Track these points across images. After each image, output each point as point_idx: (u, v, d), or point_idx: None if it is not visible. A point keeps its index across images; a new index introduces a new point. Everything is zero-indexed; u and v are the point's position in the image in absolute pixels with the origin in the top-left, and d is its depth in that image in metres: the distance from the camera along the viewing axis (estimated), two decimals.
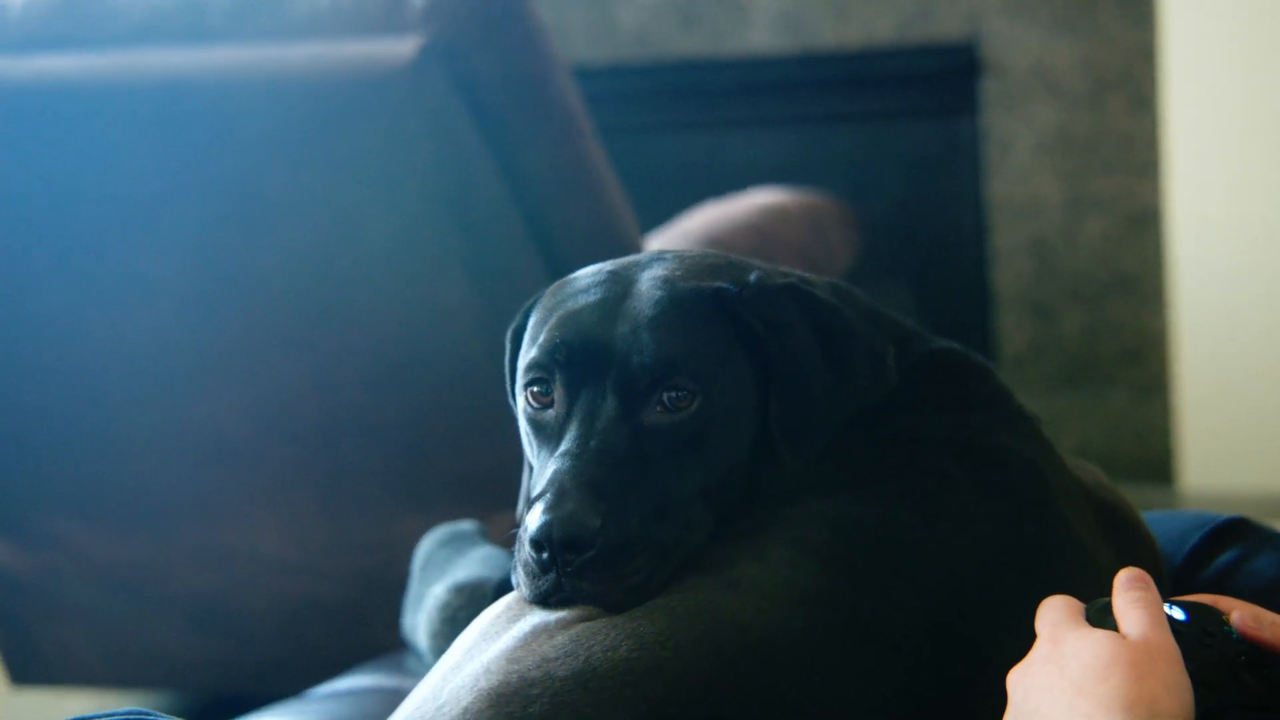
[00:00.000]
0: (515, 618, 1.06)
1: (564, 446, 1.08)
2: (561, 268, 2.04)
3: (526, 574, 1.07)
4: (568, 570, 1.04)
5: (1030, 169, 3.58)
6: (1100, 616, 0.99)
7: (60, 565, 2.46)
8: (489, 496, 2.13)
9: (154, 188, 2.11)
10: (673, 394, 1.08)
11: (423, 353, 2.16)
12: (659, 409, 1.08)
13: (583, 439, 1.07)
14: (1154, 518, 1.30)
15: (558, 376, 1.10)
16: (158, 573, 2.41)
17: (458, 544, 1.49)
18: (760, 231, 2.64)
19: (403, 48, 1.96)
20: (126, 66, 2.07)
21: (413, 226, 2.07)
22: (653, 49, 3.80)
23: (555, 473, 1.06)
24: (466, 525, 1.54)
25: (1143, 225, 3.52)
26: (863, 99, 3.75)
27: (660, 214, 2.95)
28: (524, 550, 1.06)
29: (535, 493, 1.07)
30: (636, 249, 2.15)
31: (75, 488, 2.38)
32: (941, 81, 3.66)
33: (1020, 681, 0.96)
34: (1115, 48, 3.49)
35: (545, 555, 1.04)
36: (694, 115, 3.86)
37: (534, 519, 1.04)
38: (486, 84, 2.00)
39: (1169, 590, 1.21)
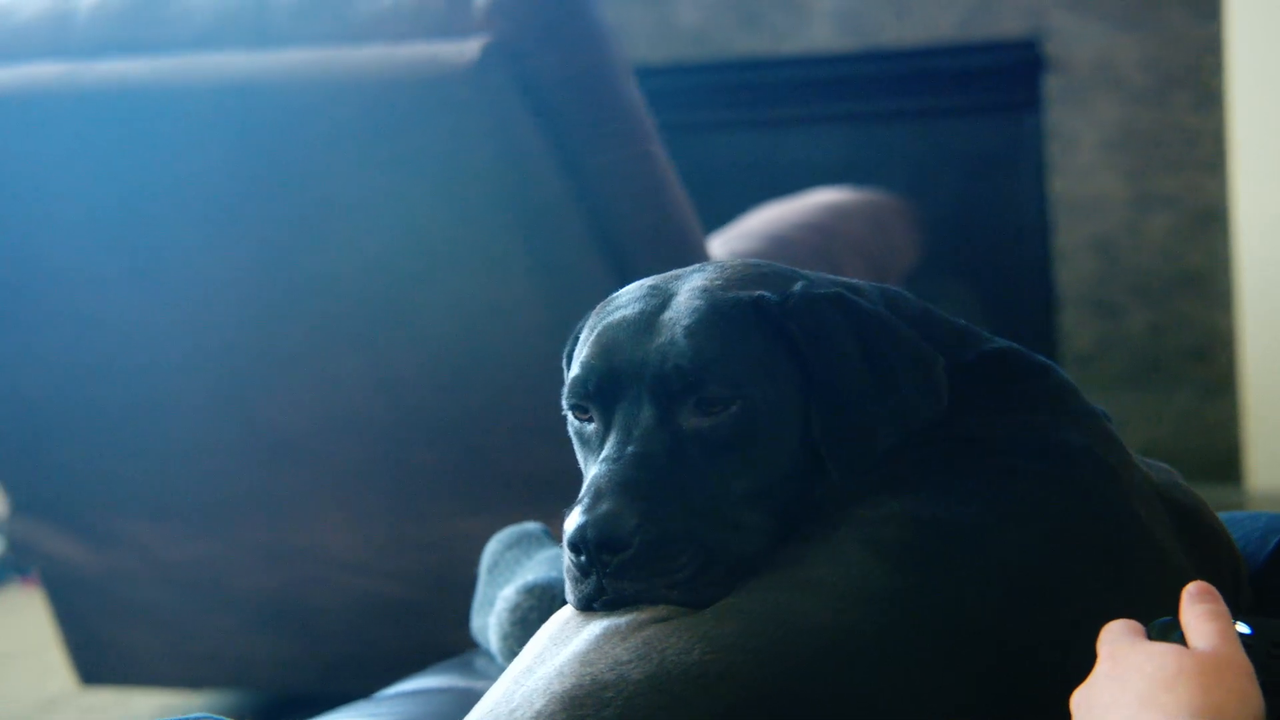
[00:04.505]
0: (586, 620, 1.06)
1: (604, 454, 1.09)
2: (624, 267, 2.05)
3: (570, 579, 1.08)
4: (607, 571, 1.05)
5: (1094, 166, 3.55)
6: (1162, 634, 0.97)
7: (129, 565, 2.48)
8: (553, 497, 2.12)
9: (220, 191, 2.13)
10: (709, 398, 1.09)
11: (486, 353, 2.17)
12: (697, 413, 1.09)
13: (620, 445, 1.09)
14: (1232, 519, 1.28)
15: (596, 392, 1.11)
16: (225, 572, 2.43)
17: (525, 546, 1.50)
18: (823, 230, 2.63)
19: (465, 49, 1.96)
20: (192, 70, 2.08)
21: (476, 227, 2.07)
22: (713, 48, 3.79)
23: (594, 478, 1.08)
24: (532, 527, 1.55)
25: (1208, 222, 3.48)
26: (924, 96, 3.73)
27: (721, 213, 2.94)
28: (566, 556, 1.07)
29: (577, 500, 1.08)
30: (699, 248, 2.14)
31: (144, 488, 2.40)
32: (1004, 78, 3.63)
33: (1083, 701, 0.95)
34: (1180, 43, 3.46)
35: (584, 558, 1.05)
36: (754, 114, 3.85)
37: (571, 523, 1.06)
38: (549, 84, 2.01)
39: (1250, 594, 1.19)
